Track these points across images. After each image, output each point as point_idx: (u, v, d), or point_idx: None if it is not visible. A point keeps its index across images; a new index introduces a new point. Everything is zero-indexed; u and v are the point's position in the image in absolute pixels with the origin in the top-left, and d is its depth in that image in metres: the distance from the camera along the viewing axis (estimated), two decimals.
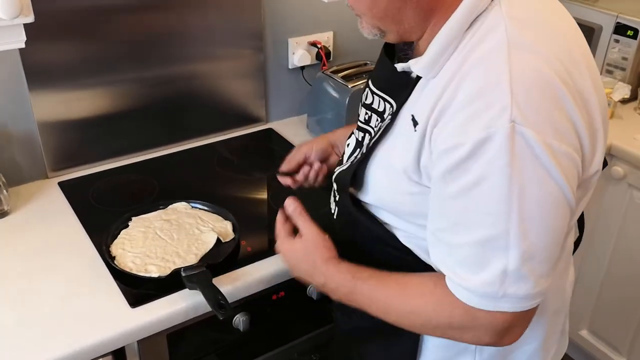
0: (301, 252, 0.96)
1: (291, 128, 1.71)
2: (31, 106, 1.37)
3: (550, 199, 0.73)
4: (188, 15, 1.49)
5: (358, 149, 0.97)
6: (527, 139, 0.70)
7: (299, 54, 1.68)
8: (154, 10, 1.44)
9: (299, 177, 1.18)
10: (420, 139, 0.78)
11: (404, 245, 0.91)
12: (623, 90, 1.74)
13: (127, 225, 1.25)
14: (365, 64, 1.68)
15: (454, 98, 0.74)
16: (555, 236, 0.76)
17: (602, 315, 1.88)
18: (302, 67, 1.71)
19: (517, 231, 0.72)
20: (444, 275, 0.82)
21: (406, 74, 0.86)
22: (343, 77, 1.60)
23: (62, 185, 1.42)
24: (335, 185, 1.01)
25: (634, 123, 1.76)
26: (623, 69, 1.83)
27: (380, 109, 0.92)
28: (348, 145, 1.03)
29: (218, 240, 1.21)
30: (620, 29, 1.81)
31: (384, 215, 0.92)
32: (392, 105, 0.88)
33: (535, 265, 0.75)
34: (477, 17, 0.76)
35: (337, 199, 1.02)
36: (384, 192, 0.89)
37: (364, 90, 1.01)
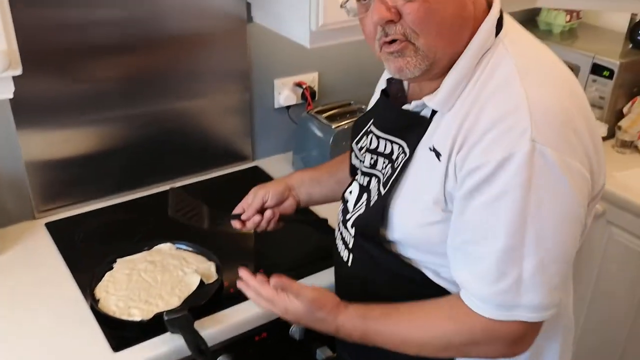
0: (303, 310, 0.96)
1: (277, 166, 1.75)
2: (19, 146, 1.39)
3: (565, 213, 0.80)
4: (176, 55, 1.52)
5: (365, 194, 1.01)
6: (546, 156, 0.77)
7: (285, 94, 1.72)
8: (141, 50, 1.47)
9: (249, 225, 1.20)
10: (445, 167, 0.85)
11: (433, 282, 0.94)
12: (600, 129, 1.79)
13: (112, 267, 1.26)
14: (349, 104, 1.72)
15: (476, 125, 0.81)
16: (568, 249, 0.83)
17: (583, 352, 1.90)
18: (288, 107, 1.75)
19: (532, 241, 0.79)
20: (457, 296, 0.87)
21: (414, 113, 0.93)
22: (327, 118, 1.64)
23: (49, 226, 1.44)
24: (352, 231, 1.01)
25: (612, 161, 1.81)
26: (600, 108, 1.88)
27: (387, 152, 0.97)
28: (351, 192, 1.06)
29: (201, 281, 1.22)
30: (597, 69, 1.86)
31: (410, 253, 0.94)
32: (401, 146, 0.93)
33: (548, 275, 0.81)
34: (484, 54, 0.85)
35: (350, 245, 1.02)
36: (413, 227, 0.91)
37: (363, 136, 1.06)
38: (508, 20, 0.90)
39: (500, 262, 0.81)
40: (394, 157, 0.96)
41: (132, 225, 1.47)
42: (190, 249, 1.33)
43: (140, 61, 1.49)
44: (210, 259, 1.30)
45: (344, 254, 1.05)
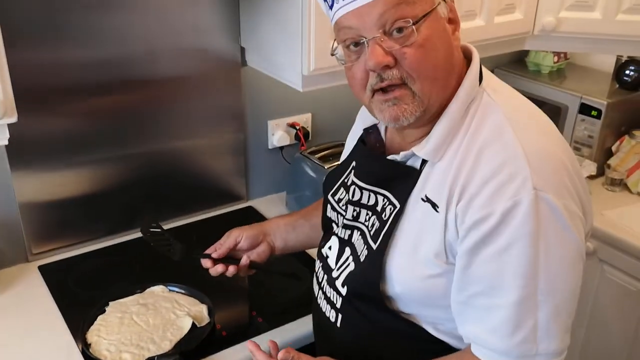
0: None
1: (271, 206, 1.76)
2: (13, 188, 1.40)
3: (571, 256, 0.82)
4: (171, 95, 1.55)
5: (347, 248, 0.98)
6: (549, 203, 0.79)
7: (278, 135, 1.75)
8: (137, 90, 1.49)
9: (219, 268, 1.12)
10: (444, 218, 0.84)
11: (434, 337, 0.92)
12: (590, 168, 1.82)
13: (104, 311, 1.26)
14: (342, 144, 1.74)
15: (474, 175, 0.82)
16: (576, 290, 0.84)
17: None
18: (282, 147, 1.77)
19: (545, 289, 0.80)
20: (468, 351, 0.86)
21: (401, 164, 0.92)
22: (320, 158, 1.66)
23: (42, 269, 1.44)
24: (342, 290, 0.97)
25: (602, 199, 1.83)
26: (589, 146, 1.91)
27: (371, 203, 0.96)
28: (330, 248, 1.03)
29: (194, 324, 1.22)
30: (585, 109, 1.90)
31: (410, 308, 0.92)
32: (386, 198, 0.93)
33: (561, 320, 0.82)
34: (470, 103, 0.87)
35: (338, 305, 0.98)
36: (415, 280, 0.88)
37: (340, 187, 1.04)
38: (485, 71, 0.92)
39: (515, 314, 0.80)
40: (379, 208, 0.94)
41: (125, 267, 1.47)
42: (182, 291, 1.33)
43: (135, 102, 1.51)
44: (202, 302, 1.30)
45: (331, 314, 1.01)
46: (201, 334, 1.21)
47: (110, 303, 1.28)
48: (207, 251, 1.16)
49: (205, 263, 1.14)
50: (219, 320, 1.26)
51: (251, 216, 1.72)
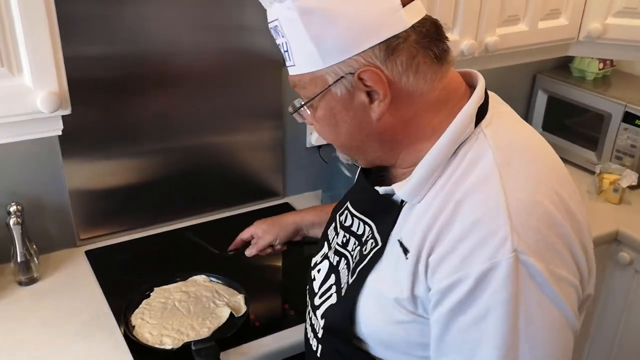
0: None
1: (306, 203, 1.79)
2: (64, 177, 1.47)
3: (555, 326, 0.74)
4: (214, 91, 1.59)
5: (333, 276, 0.95)
6: (530, 267, 0.71)
7: (316, 135, 1.76)
8: (181, 85, 1.54)
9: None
10: (413, 267, 0.78)
11: None
12: (631, 178, 1.79)
13: (149, 295, 1.32)
14: None
15: (451, 226, 0.74)
16: (564, 358, 0.76)
17: None
18: (319, 147, 1.81)
19: (526, 357, 0.73)
20: None
21: (386, 197, 0.87)
22: None
23: (89, 254, 1.51)
24: (321, 322, 0.93)
25: None
26: (632, 156, 1.88)
27: (359, 232, 0.92)
28: (319, 271, 1.00)
29: (231, 314, 1.27)
30: (629, 118, 1.87)
31: (378, 351, 0.87)
32: (371, 229, 0.89)
33: None
34: (461, 144, 0.79)
35: (320, 335, 0.94)
36: (377, 323, 0.84)
37: (343, 212, 1.00)
38: (493, 103, 0.84)
39: None
40: (364, 240, 0.90)
41: (166, 256, 1.53)
42: (221, 282, 1.38)
43: (179, 96, 1.55)
44: (240, 292, 1.34)
45: (313, 342, 0.97)
46: (237, 323, 1.25)
47: (155, 289, 1.34)
48: (238, 240, 1.28)
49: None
50: (252, 310, 1.30)
51: (287, 212, 1.75)
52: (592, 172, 1.92)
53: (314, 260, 1.05)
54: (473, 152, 0.78)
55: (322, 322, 0.93)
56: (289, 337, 1.24)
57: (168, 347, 1.18)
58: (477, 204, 0.74)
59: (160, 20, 1.46)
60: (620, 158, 1.91)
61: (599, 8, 1.68)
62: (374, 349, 0.87)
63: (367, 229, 0.91)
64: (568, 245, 0.75)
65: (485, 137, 0.79)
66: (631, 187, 1.83)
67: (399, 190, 0.82)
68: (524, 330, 0.72)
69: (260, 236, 1.26)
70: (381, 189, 0.87)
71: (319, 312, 0.94)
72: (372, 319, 0.85)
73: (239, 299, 1.32)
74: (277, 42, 0.85)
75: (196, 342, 1.16)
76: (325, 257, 1.00)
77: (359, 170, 0.98)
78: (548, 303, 0.73)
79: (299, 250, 1.37)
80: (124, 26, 1.42)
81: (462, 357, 0.76)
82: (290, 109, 0.90)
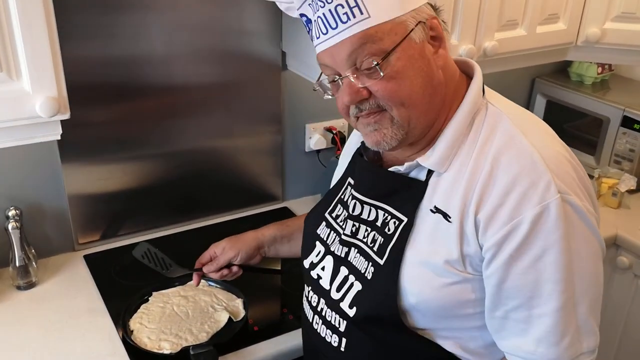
0: None
1: (305, 207, 1.77)
2: (63, 181, 1.47)
3: (596, 254, 0.85)
4: (214, 95, 1.60)
5: (343, 267, 0.96)
6: (574, 205, 0.80)
7: (315, 139, 1.78)
8: (181, 90, 1.55)
9: (216, 276, 1.22)
10: (459, 229, 0.84)
11: (451, 354, 0.91)
12: (629, 182, 1.79)
13: (147, 300, 1.32)
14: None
15: (493, 183, 0.82)
16: (601, 285, 0.87)
17: None
18: (318, 151, 1.81)
19: (580, 290, 0.82)
20: None
21: (405, 177, 0.91)
22: None
23: (87, 258, 1.51)
24: (350, 312, 0.93)
25: None
26: (630, 160, 1.88)
27: (371, 219, 0.94)
28: (323, 268, 1.00)
29: (230, 318, 1.27)
30: (627, 122, 1.87)
31: (424, 321, 0.90)
32: (387, 212, 0.92)
33: (595, 314, 0.85)
34: (475, 114, 0.88)
35: (342, 328, 0.95)
36: (427, 291, 0.87)
37: (337, 204, 1.02)
38: (485, 86, 0.93)
39: (560, 320, 0.81)
40: (379, 224, 0.93)
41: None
42: (220, 286, 1.38)
43: (179, 101, 1.56)
44: (239, 297, 1.34)
45: (332, 339, 0.97)
46: (235, 328, 1.25)
47: (154, 293, 1.34)
48: (196, 266, 1.23)
49: (195, 279, 1.24)
50: (251, 315, 1.30)
51: (286, 216, 1.76)
52: (591, 176, 1.93)
53: (308, 262, 1.05)
54: (488, 119, 0.87)
55: (351, 312, 0.93)
56: (288, 341, 1.24)
57: (166, 351, 1.18)
58: (513, 159, 0.82)
59: (159, 25, 1.46)
60: (619, 162, 1.91)
61: (597, 13, 1.69)
62: (423, 318, 0.90)
63: (381, 212, 0.94)
64: (587, 186, 0.86)
65: (494, 107, 0.89)
66: (630, 192, 1.83)
67: (425, 161, 0.88)
68: (577, 263, 0.81)
69: (220, 254, 1.23)
70: (404, 166, 0.91)
71: (345, 304, 0.94)
72: (420, 288, 0.88)
73: (238, 303, 1.32)
74: (326, 9, 0.81)
75: (194, 346, 1.16)
76: (327, 253, 1.01)
77: (343, 165, 1.07)
78: (590, 235, 0.83)
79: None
80: (123, 31, 1.42)
81: (523, 299, 0.82)
82: (316, 86, 0.91)
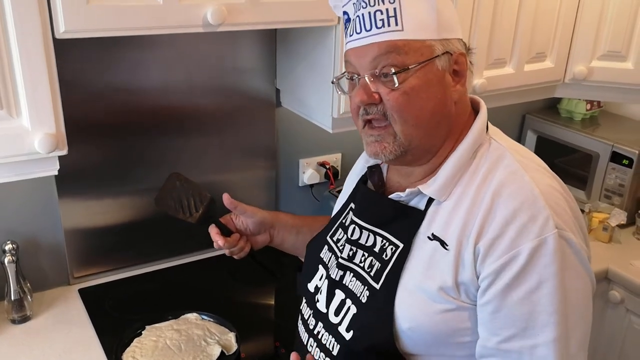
0: None
1: None
2: (60, 215, 1.49)
3: (587, 290, 0.87)
4: (209, 131, 1.63)
5: (339, 291, 0.97)
6: (569, 241, 0.84)
7: (309, 174, 1.81)
8: (176, 126, 1.58)
9: (220, 242, 1.18)
10: (456, 257, 0.87)
11: None
12: (620, 217, 1.81)
13: (141, 334, 1.33)
14: None
15: (494, 214, 0.85)
16: (590, 322, 0.88)
17: None
18: (312, 185, 1.84)
19: (573, 323, 0.84)
20: None
21: (402, 205, 0.95)
22: None
23: (82, 292, 1.52)
24: (346, 336, 0.94)
25: (632, 248, 1.82)
26: (620, 195, 1.91)
27: (369, 244, 0.97)
28: (321, 292, 1.01)
29: (222, 352, 1.27)
30: (616, 157, 1.90)
31: (417, 347, 0.91)
32: (385, 239, 0.94)
33: (585, 350, 0.87)
34: (478, 147, 0.92)
35: (335, 352, 0.95)
36: (420, 317, 0.89)
37: (338, 229, 1.04)
38: (489, 123, 0.98)
39: (554, 351, 0.83)
40: (377, 249, 0.95)
41: (159, 294, 1.54)
42: (213, 319, 1.39)
43: (174, 136, 1.59)
44: (231, 330, 1.35)
45: None
46: None
47: (147, 327, 1.35)
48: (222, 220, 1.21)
49: (214, 236, 1.20)
50: (244, 349, 1.31)
51: (279, 252, 1.77)
52: (582, 211, 1.95)
53: (313, 286, 1.05)
54: (491, 154, 0.91)
55: (348, 335, 0.95)
56: None
57: None
58: (515, 193, 0.85)
59: (156, 62, 1.50)
60: (609, 197, 1.94)
61: (583, 51, 1.74)
62: (416, 344, 0.90)
63: (379, 239, 0.96)
64: (580, 222, 0.89)
65: (497, 142, 0.93)
66: (620, 226, 1.85)
67: (426, 189, 0.91)
68: (569, 296, 0.83)
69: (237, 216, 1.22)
70: (406, 192, 0.94)
71: (342, 327, 0.96)
72: (414, 313, 0.89)
73: (230, 337, 1.33)
74: (366, 10, 0.86)
75: None
76: (326, 277, 1.03)
77: (347, 190, 1.08)
78: (582, 271, 0.86)
79: (291, 285, 1.36)
80: (120, 68, 1.46)
81: (517, 329, 0.84)
82: (335, 80, 0.96)
